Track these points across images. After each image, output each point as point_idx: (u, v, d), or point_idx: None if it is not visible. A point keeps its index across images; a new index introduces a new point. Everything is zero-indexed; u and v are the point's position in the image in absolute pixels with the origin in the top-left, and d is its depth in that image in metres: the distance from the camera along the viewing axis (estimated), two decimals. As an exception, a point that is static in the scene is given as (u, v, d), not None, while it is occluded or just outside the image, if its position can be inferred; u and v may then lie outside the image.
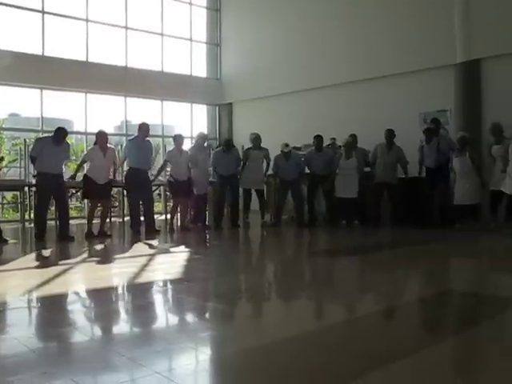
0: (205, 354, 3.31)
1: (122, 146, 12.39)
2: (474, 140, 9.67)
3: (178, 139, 10.21)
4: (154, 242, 8.75)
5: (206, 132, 11.24)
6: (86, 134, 14.52)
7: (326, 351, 3.24)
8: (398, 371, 2.89)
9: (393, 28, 11.92)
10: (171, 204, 10.65)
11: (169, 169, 10.35)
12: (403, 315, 4.29)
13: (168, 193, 10.60)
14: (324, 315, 4.43)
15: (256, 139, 10.80)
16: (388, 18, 12.00)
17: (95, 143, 9.36)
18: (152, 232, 9.56)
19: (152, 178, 10.30)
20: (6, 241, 8.32)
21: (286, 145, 10.68)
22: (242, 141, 11.93)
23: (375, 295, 5.04)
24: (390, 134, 10.37)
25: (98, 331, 3.85)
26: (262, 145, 10.87)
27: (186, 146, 10.88)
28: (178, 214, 10.34)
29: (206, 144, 10.99)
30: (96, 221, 9.46)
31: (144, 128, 9.73)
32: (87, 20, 14.14)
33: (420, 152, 10.02)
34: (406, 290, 5.46)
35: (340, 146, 11.00)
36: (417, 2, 11.57)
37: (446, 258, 7.27)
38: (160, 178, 10.89)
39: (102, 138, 9.26)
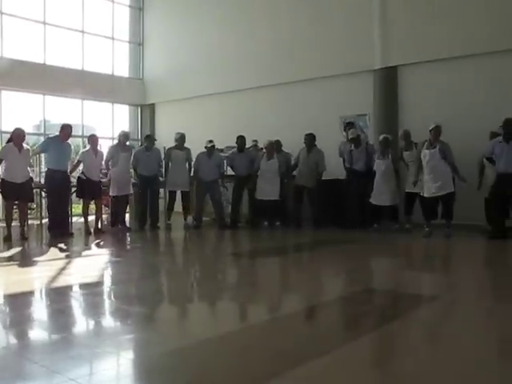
0: (124, 357, 3.25)
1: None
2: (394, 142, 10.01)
3: (93, 139, 9.97)
4: (72, 245, 8.52)
5: (128, 131, 10.98)
6: (0, 132, 13.92)
7: (245, 351, 3.25)
8: (315, 369, 2.94)
9: (316, 33, 12.11)
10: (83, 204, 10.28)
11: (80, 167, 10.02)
12: (323, 314, 4.38)
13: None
14: (244, 316, 4.45)
15: (181, 138, 10.70)
16: (312, 22, 12.19)
17: (9, 141, 9.00)
18: (69, 235, 9.31)
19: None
20: None
21: (210, 141, 10.71)
22: (164, 142, 11.80)
23: (296, 295, 5.11)
24: (310, 139, 10.57)
25: (11, 338, 3.69)
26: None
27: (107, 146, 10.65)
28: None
29: (128, 143, 10.80)
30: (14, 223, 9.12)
31: (67, 131, 9.43)
32: (1, 13, 13.58)
33: (348, 156, 10.24)
34: (326, 289, 5.56)
35: (262, 148, 11.09)
36: (338, 9, 11.81)
37: (364, 257, 7.46)
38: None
39: (16, 135, 8.91)
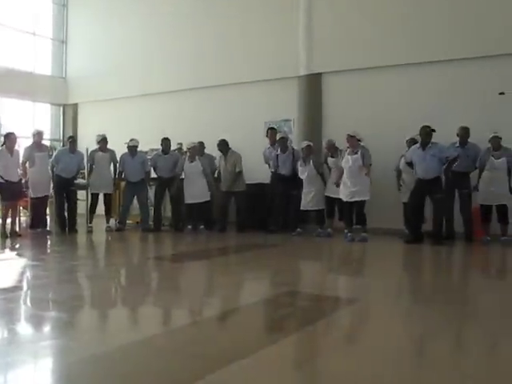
0: (39, 366, 3.15)
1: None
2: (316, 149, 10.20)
3: (10, 138, 9.52)
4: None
5: (42, 130, 10.52)
6: None
7: (167, 355, 3.22)
8: (237, 372, 2.95)
9: (241, 37, 12.16)
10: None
11: None
12: (245, 317, 4.40)
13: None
14: (166, 320, 4.41)
15: (103, 140, 10.49)
16: (238, 27, 12.21)
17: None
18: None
19: None
20: None
21: (132, 139, 10.60)
22: (87, 143, 11.52)
23: (219, 298, 5.11)
24: (222, 144, 10.65)
25: None
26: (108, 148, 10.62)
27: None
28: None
29: (45, 142, 10.46)
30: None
31: None
32: None
33: (274, 160, 10.33)
34: (249, 292, 5.59)
35: (186, 151, 11.03)
36: (264, 15, 11.90)
37: (287, 261, 7.56)
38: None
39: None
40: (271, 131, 10.73)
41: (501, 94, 9.40)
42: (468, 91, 9.70)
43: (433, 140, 8.72)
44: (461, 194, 9.05)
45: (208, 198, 10.42)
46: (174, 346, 3.46)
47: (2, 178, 9.22)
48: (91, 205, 10.56)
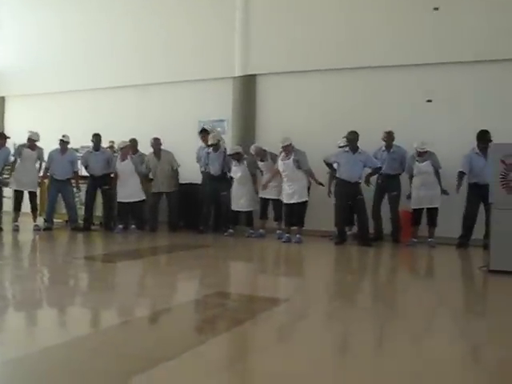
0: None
1: None
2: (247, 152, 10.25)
3: None
4: None
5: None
6: None
7: (93, 356, 3.18)
8: (164, 373, 2.94)
9: (177, 36, 12.04)
10: None
11: None
12: (175, 317, 4.38)
13: None
14: (94, 321, 4.33)
15: (34, 137, 10.15)
16: (174, 26, 12.07)
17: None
18: None
19: None
20: None
21: (63, 135, 10.36)
22: (14, 138, 11.13)
23: (148, 299, 5.07)
24: (156, 143, 10.57)
25: None
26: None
27: None
28: None
29: None
30: None
31: None
32: None
33: (205, 158, 10.32)
34: (179, 292, 5.57)
35: (118, 150, 10.87)
36: (201, 15, 11.83)
37: (218, 261, 7.59)
38: None
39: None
40: (204, 133, 10.70)
41: (428, 101, 9.78)
42: (397, 97, 10.05)
43: (361, 142, 8.99)
44: (390, 196, 9.34)
45: (142, 198, 10.30)
46: (101, 346, 3.41)
47: None
48: (15, 202, 10.19)
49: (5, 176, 10.51)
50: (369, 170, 9.10)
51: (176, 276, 6.37)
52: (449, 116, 9.69)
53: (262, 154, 9.96)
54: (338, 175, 9.10)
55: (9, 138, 10.30)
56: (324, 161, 9.33)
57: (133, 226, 10.43)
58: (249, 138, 10.87)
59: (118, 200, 10.34)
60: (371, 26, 10.31)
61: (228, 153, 10.13)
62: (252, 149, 10.06)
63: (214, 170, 10.20)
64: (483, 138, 8.63)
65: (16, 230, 9.98)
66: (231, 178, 10.12)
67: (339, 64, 10.49)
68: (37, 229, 10.19)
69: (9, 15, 14.93)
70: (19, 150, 10.17)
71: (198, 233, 10.04)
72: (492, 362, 3.36)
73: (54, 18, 13.88)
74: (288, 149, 9.20)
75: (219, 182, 10.13)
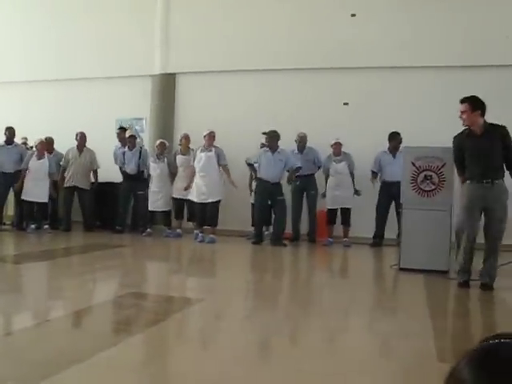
0: None
1: None
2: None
3: None
4: None
5: None
6: None
7: (2, 361, 3.05)
8: (74, 375, 2.87)
9: (97, 32, 11.66)
10: None
11: None
12: (88, 319, 4.29)
13: None
14: (3, 325, 4.16)
15: None
16: (95, 22, 11.69)
17: None
18: None
19: None
20: None
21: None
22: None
23: (62, 300, 4.94)
24: (81, 137, 10.36)
25: None
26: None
27: None
28: None
29: None
30: None
31: None
32: None
33: (121, 157, 10.15)
34: (94, 293, 5.46)
35: (32, 147, 10.50)
36: (122, 12, 11.59)
37: (135, 261, 7.50)
38: None
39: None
40: (120, 131, 10.54)
41: (345, 104, 10.07)
42: (314, 100, 10.27)
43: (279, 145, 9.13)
44: (308, 195, 9.53)
45: (46, 200, 9.97)
46: (7, 351, 3.28)
47: None
48: None
49: None
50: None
51: (89, 277, 6.22)
52: (362, 118, 10.01)
53: (186, 146, 9.88)
54: (258, 175, 9.18)
55: None
56: (246, 161, 9.38)
57: (46, 226, 10.09)
58: (167, 136, 10.76)
59: (24, 198, 9.92)
60: (282, 28, 10.50)
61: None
62: (181, 135, 10.02)
63: (130, 168, 10.04)
64: (394, 138, 9.08)
65: None
66: (149, 175, 10.00)
67: (255, 65, 10.60)
68: None
69: None
70: None
71: (115, 233, 9.85)
72: (402, 353, 3.49)
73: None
74: (212, 137, 9.15)
75: (135, 181, 9.99)
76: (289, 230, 9.37)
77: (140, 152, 10.09)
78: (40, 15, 12.30)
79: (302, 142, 9.62)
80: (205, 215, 9.23)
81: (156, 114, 11.23)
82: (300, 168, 9.24)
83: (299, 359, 3.35)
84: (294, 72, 10.45)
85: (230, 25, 10.87)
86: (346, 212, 9.27)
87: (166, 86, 11.28)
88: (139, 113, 11.39)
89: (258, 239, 9.07)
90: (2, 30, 12.62)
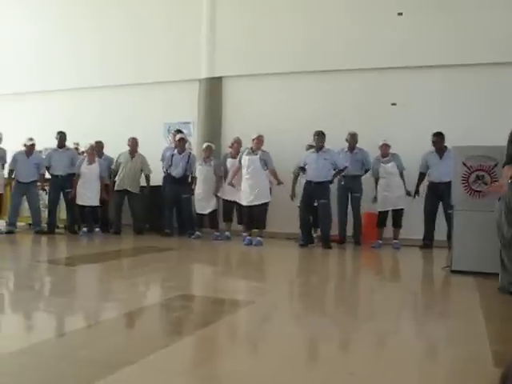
0: None
1: None
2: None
3: None
4: None
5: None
6: None
7: (52, 362, 3.11)
8: (126, 377, 2.90)
9: (145, 38, 11.89)
10: None
11: None
12: (139, 320, 4.35)
13: None
14: (57, 325, 4.26)
15: None
16: (142, 28, 11.97)
17: None
18: None
19: None
20: None
21: (30, 139, 10.21)
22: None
23: (113, 302, 5.00)
24: (133, 143, 10.50)
25: None
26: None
27: None
28: None
29: None
30: None
31: None
32: None
33: (168, 160, 10.25)
34: (144, 296, 5.52)
35: (83, 152, 10.73)
36: (168, 17, 11.77)
37: (184, 264, 7.54)
38: None
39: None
40: (176, 133, 10.67)
41: (393, 104, 9.93)
42: (361, 100, 10.18)
43: (326, 145, 9.05)
44: (352, 197, 9.42)
45: (97, 204, 10.16)
46: (61, 352, 3.35)
47: None
48: None
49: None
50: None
51: (140, 279, 6.30)
52: (410, 119, 9.85)
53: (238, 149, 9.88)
54: (305, 177, 9.13)
55: None
56: (293, 173, 9.40)
57: (97, 229, 10.31)
58: (214, 140, 10.84)
59: (79, 203, 10.17)
60: (332, 30, 10.44)
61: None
62: (235, 139, 10.02)
63: (177, 171, 10.13)
64: (439, 138, 8.96)
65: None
66: (193, 179, 10.08)
67: (303, 67, 10.60)
68: (-1, 232, 10.00)
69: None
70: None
71: (164, 236, 9.97)
72: (455, 358, 3.41)
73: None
74: (260, 141, 9.12)
75: (180, 185, 10.06)
76: (335, 232, 9.29)
77: (189, 157, 10.18)
78: (86, 24, 12.61)
79: (352, 139, 9.50)
80: (252, 218, 9.23)
81: (203, 117, 11.33)
82: (346, 167, 9.13)
83: (350, 362, 3.31)
84: (338, 73, 10.40)
85: (276, 27, 10.88)
86: (397, 213, 9.14)
87: (213, 90, 11.37)
88: (187, 117, 11.52)
89: (304, 242, 9.02)
90: (51, 39, 12.95)
